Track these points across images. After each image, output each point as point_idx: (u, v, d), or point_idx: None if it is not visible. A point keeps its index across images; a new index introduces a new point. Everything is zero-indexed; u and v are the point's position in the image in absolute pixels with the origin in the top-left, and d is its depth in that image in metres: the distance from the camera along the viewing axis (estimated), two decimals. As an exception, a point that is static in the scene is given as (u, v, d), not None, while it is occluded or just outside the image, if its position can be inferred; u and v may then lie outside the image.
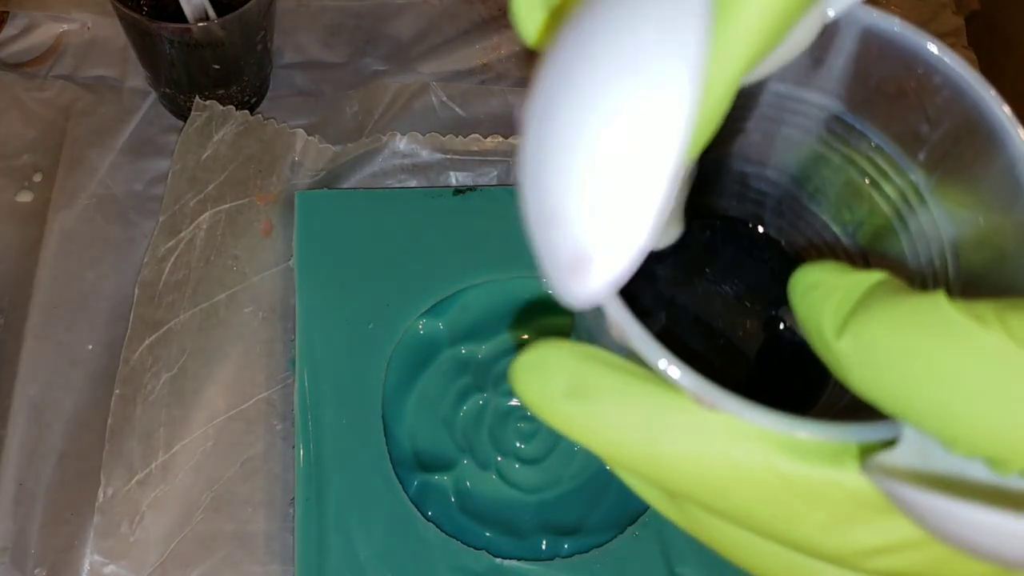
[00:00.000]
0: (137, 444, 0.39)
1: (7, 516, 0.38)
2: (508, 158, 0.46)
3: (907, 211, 0.22)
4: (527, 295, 0.42)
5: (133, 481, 0.38)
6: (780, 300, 0.25)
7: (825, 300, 0.17)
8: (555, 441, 0.40)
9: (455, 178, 0.46)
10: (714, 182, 0.26)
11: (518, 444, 0.39)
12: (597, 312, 0.19)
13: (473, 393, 0.40)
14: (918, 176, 0.22)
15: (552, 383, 0.18)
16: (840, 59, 0.21)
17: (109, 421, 0.39)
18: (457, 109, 0.49)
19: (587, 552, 0.37)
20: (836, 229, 0.25)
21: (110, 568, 0.37)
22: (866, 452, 0.17)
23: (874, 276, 0.17)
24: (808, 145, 0.24)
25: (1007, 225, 0.19)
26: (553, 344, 0.18)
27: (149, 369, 0.40)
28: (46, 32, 0.49)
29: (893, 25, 0.20)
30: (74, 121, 0.46)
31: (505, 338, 0.41)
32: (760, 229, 0.27)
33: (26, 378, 0.40)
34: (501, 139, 0.46)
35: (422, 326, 0.41)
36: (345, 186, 0.45)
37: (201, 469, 0.39)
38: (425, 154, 0.46)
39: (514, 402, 0.40)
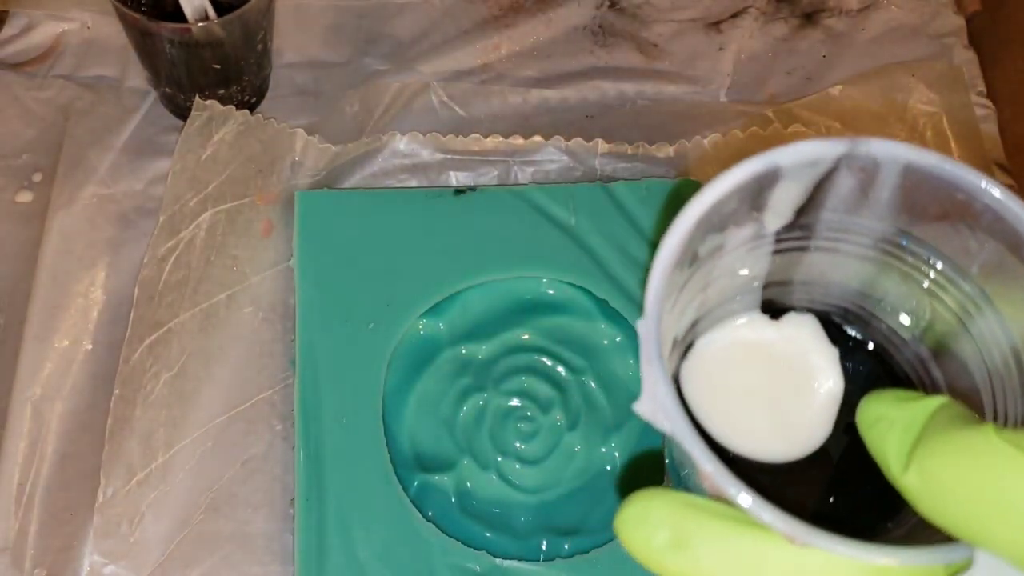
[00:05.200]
0: (137, 444, 0.39)
1: (7, 516, 0.38)
2: (508, 158, 0.46)
3: (967, 317, 0.23)
4: (527, 295, 0.42)
5: (133, 481, 0.38)
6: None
7: (888, 433, 0.18)
8: (555, 442, 0.40)
9: (455, 178, 0.46)
10: (781, 300, 0.28)
11: (518, 444, 0.39)
12: (690, 462, 0.21)
13: (473, 393, 0.40)
14: (973, 287, 0.23)
15: (655, 535, 0.19)
16: (886, 192, 0.22)
17: (109, 421, 0.39)
18: (457, 109, 0.49)
19: (587, 552, 0.37)
20: (904, 335, 0.26)
21: (110, 568, 0.37)
22: (951, 570, 0.18)
23: (932, 404, 0.18)
24: (867, 263, 0.25)
25: None
26: (653, 495, 0.20)
27: (149, 369, 0.40)
28: (46, 32, 0.49)
29: (932, 159, 0.21)
30: (74, 121, 0.46)
31: (505, 338, 0.41)
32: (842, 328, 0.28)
33: (26, 378, 0.40)
34: (501, 139, 0.46)
35: (422, 326, 0.41)
36: (345, 186, 0.45)
37: (201, 470, 0.39)
38: (425, 154, 0.46)
39: (514, 402, 0.40)
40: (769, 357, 0.26)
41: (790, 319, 0.27)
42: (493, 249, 0.41)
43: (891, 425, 0.18)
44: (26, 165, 0.45)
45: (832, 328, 0.27)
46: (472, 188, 0.43)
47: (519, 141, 0.46)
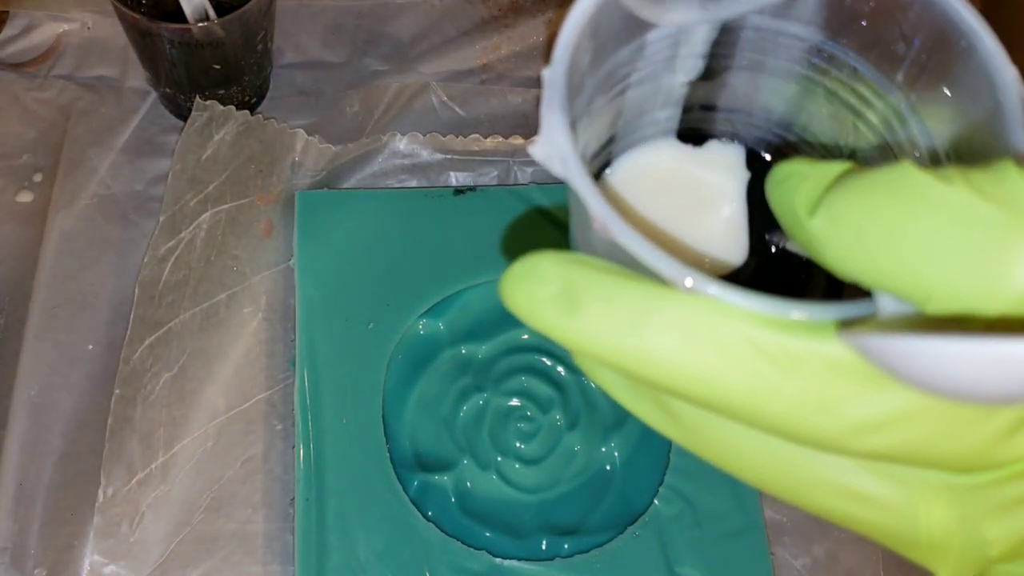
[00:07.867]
0: (137, 444, 0.39)
1: (7, 516, 0.38)
2: (508, 158, 0.46)
3: (890, 135, 0.23)
4: (527, 295, 0.42)
5: (133, 481, 0.38)
6: (772, 224, 0.26)
7: (799, 184, 0.18)
8: (555, 441, 0.40)
9: (455, 178, 0.46)
10: (705, 128, 0.27)
11: (518, 444, 0.39)
12: (585, 217, 0.20)
13: (473, 393, 0.40)
14: (898, 97, 0.22)
15: (540, 289, 0.18)
16: None
17: (109, 421, 0.39)
18: (457, 109, 0.49)
19: (587, 552, 0.37)
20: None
21: (110, 568, 0.37)
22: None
23: (845, 164, 0.18)
24: (792, 82, 0.25)
25: (984, 129, 0.20)
26: (543, 253, 0.18)
27: (149, 369, 0.40)
28: (46, 32, 0.49)
29: None
30: (74, 121, 0.46)
31: (505, 338, 0.41)
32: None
33: (26, 378, 0.40)
34: (501, 139, 0.46)
35: (422, 326, 0.41)
36: (345, 186, 0.45)
37: (201, 469, 0.39)
38: (425, 154, 0.46)
39: (514, 402, 0.40)
40: (682, 182, 0.26)
41: (710, 146, 0.26)
42: (493, 249, 0.41)
43: (803, 178, 0.18)
44: (26, 165, 0.45)
45: (756, 159, 0.27)
46: (472, 188, 0.43)
47: (519, 141, 0.46)
